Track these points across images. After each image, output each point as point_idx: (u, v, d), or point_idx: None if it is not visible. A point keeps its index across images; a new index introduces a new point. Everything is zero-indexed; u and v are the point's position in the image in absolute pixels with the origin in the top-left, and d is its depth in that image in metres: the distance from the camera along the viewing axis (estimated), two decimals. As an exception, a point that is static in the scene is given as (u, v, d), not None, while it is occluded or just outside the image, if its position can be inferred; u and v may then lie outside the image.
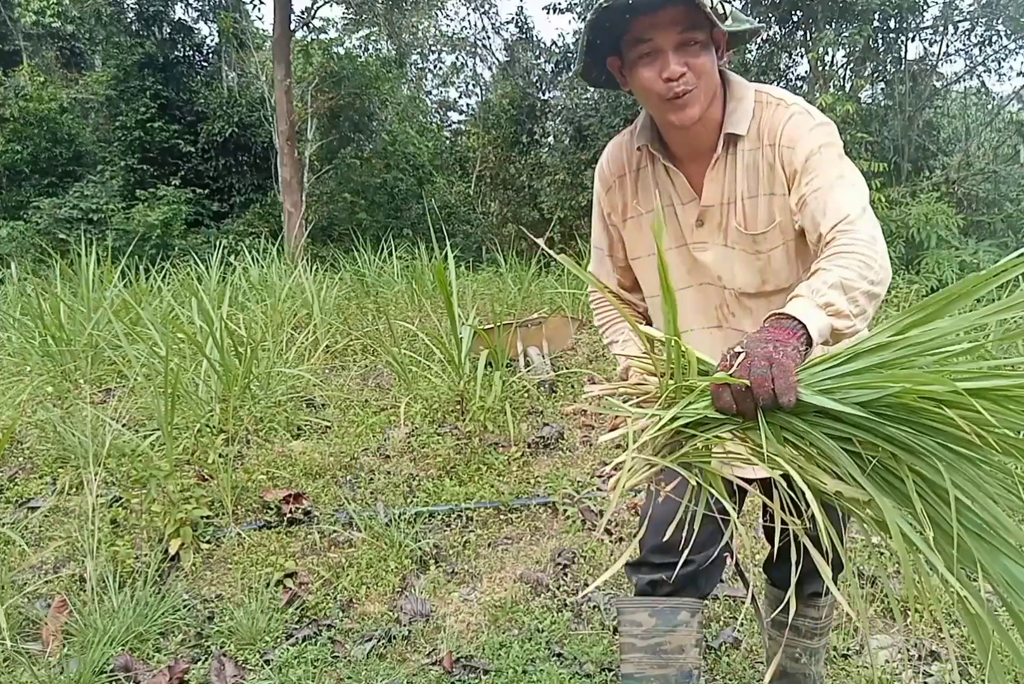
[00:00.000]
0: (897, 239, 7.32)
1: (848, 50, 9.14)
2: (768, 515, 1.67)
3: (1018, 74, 11.45)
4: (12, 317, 5.17)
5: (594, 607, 2.40)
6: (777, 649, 1.77)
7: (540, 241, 1.16)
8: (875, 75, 9.57)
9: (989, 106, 11.27)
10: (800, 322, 1.02)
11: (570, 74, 12.34)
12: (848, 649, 2.18)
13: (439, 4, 18.17)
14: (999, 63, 10.02)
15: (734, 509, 1.08)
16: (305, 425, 3.84)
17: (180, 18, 14.44)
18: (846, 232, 1.17)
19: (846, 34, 8.42)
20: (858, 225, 1.18)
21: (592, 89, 11.15)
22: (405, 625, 2.33)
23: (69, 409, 3.76)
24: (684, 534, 1.20)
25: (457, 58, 20.03)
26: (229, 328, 4.11)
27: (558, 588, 2.51)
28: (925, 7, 8.92)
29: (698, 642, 1.42)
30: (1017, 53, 9.78)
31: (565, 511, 2.98)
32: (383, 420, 3.86)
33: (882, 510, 0.93)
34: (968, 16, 9.25)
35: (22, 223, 11.97)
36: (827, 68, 9.44)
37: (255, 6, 16.57)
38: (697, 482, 1.06)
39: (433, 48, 19.90)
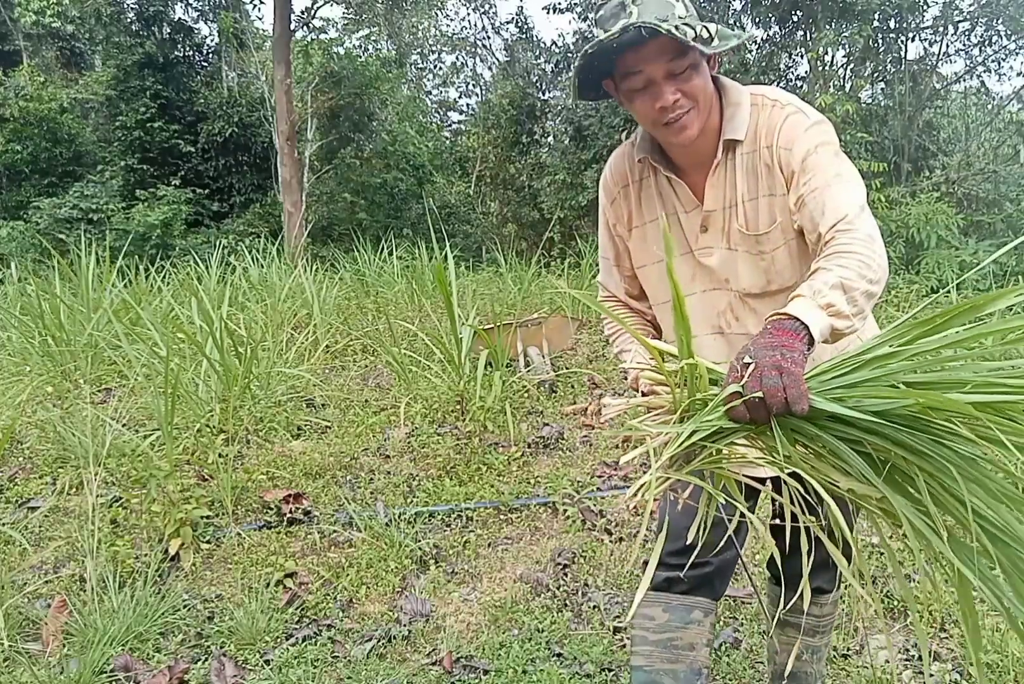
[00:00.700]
0: (897, 239, 7.32)
1: (848, 50, 9.14)
2: (776, 512, 1.67)
3: (1018, 74, 11.48)
4: (12, 317, 5.17)
5: (594, 607, 2.40)
6: (778, 647, 1.78)
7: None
8: (875, 75, 9.57)
9: (989, 106, 11.27)
10: (802, 323, 1.03)
11: (570, 74, 12.33)
12: (848, 649, 2.18)
13: (439, 4, 18.18)
14: (999, 63, 10.03)
15: (748, 510, 1.10)
16: (305, 425, 3.84)
17: (180, 18, 14.45)
18: (845, 232, 1.19)
19: (846, 34, 8.42)
20: (856, 224, 1.19)
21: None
22: (405, 625, 2.32)
23: (69, 409, 3.76)
24: (701, 537, 1.21)
25: (457, 58, 20.04)
26: (229, 328, 4.11)
27: (558, 588, 2.51)
28: (925, 7, 8.92)
29: (709, 642, 1.43)
30: (1017, 53, 9.79)
31: (565, 511, 2.98)
32: (383, 420, 3.86)
33: (893, 505, 0.95)
34: (968, 16, 9.25)
35: (22, 223, 11.97)
36: (827, 68, 9.44)
37: (255, 6, 16.61)
38: (713, 488, 1.08)
39: (433, 48, 19.91)
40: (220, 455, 3.08)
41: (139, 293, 5.67)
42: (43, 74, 14.68)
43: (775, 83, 9.78)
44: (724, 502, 1.41)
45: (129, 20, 13.75)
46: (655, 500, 1.17)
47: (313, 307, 5.44)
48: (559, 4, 11.54)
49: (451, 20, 21.79)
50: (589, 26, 11.59)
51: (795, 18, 9.54)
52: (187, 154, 13.76)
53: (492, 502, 3.04)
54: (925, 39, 9.40)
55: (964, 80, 10.52)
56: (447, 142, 18.26)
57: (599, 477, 3.30)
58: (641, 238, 1.49)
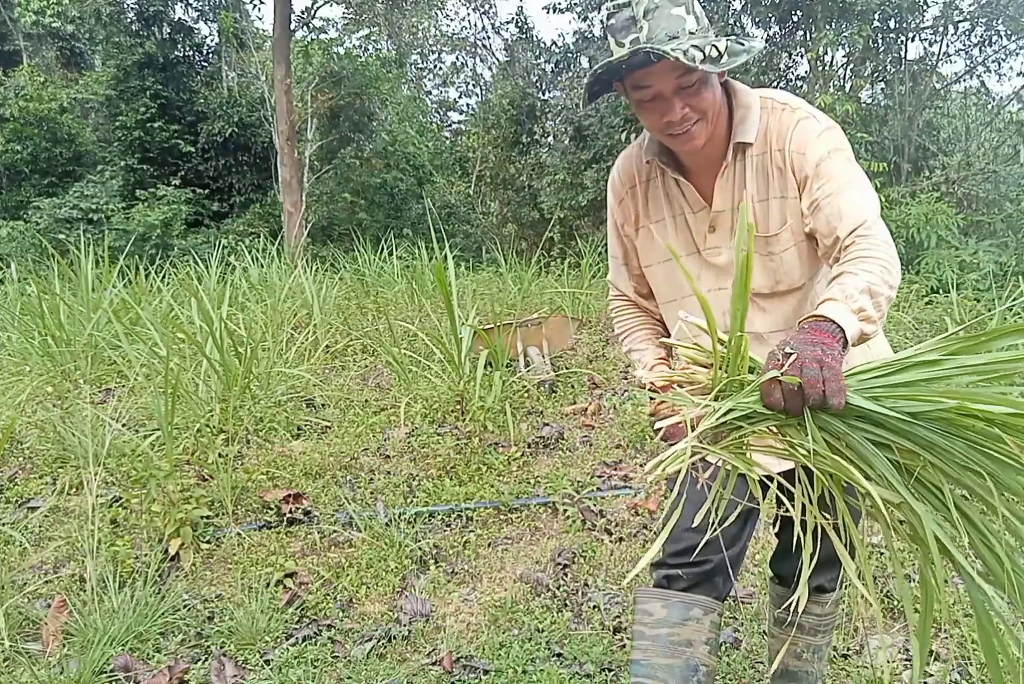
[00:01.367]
0: (897, 239, 7.32)
1: (848, 50, 9.14)
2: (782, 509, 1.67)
3: (1018, 74, 11.48)
4: (12, 317, 5.17)
5: (594, 607, 2.40)
6: (780, 646, 1.78)
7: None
8: (875, 75, 9.57)
9: (989, 106, 11.27)
10: (838, 325, 1.06)
11: (570, 74, 12.34)
12: (848, 649, 2.18)
13: (439, 4, 18.19)
14: (999, 63, 10.03)
15: (757, 504, 1.11)
16: (305, 425, 3.84)
17: (180, 18, 14.46)
18: (865, 237, 1.21)
19: (846, 34, 8.42)
20: (875, 230, 1.22)
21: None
22: (405, 625, 2.33)
23: (69, 409, 3.76)
24: (704, 535, 1.21)
25: (457, 58, 20.06)
26: (229, 328, 4.11)
27: (558, 588, 2.51)
28: (925, 7, 8.92)
29: (709, 641, 1.43)
30: (1017, 53, 9.79)
31: (565, 511, 2.98)
32: (383, 420, 3.86)
33: (915, 513, 0.98)
34: (968, 16, 9.25)
35: (22, 223, 11.98)
36: (827, 68, 9.44)
37: (255, 6, 16.63)
38: (726, 479, 1.11)
39: (433, 48, 19.93)
40: (220, 455, 3.08)
41: (139, 293, 5.67)
42: (43, 74, 14.69)
43: (775, 83, 9.79)
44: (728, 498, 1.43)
45: (129, 20, 13.76)
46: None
47: (313, 307, 5.44)
48: (559, 4, 11.54)
49: (451, 20, 21.81)
50: (589, 26, 11.60)
51: (795, 18, 9.54)
52: (187, 154, 13.77)
53: (492, 502, 3.04)
54: (925, 39, 9.41)
55: (964, 80, 10.52)
56: (447, 142, 18.27)
57: (599, 477, 3.30)
58: (648, 238, 1.51)
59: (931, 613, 1.05)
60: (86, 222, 11.97)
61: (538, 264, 7.38)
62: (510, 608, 2.40)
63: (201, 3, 14.93)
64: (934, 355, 1.01)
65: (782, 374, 0.98)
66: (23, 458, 3.45)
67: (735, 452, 1.08)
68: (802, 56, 9.95)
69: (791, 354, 0.99)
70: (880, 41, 9.11)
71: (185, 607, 2.39)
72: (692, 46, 1.21)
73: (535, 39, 15.09)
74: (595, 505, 3.01)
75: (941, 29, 9.24)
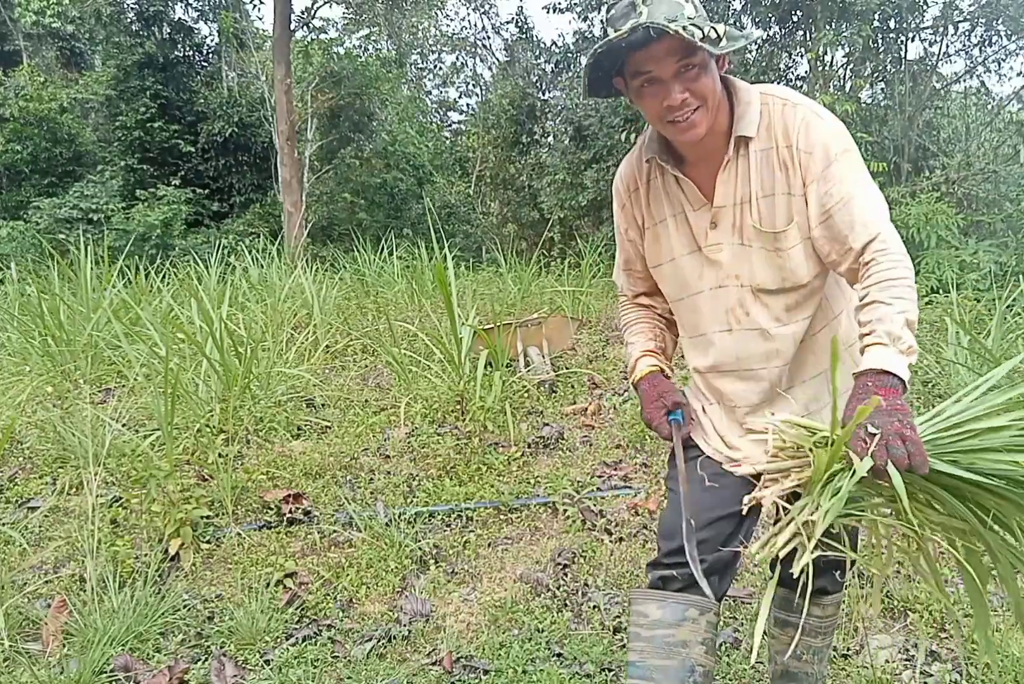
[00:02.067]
0: (897, 239, 7.31)
1: (848, 50, 9.13)
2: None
3: (1018, 74, 11.46)
4: (12, 317, 5.17)
5: (594, 607, 2.40)
6: (780, 647, 1.78)
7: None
8: (875, 75, 9.56)
9: (989, 106, 11.27)
10: (899, 378, 1.15)
11: (570, 74, 12.34)
12: (848, 649, 2.18)
13: (439, 4, 18.19)
14: (999, 63, 10.02)
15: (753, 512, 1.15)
16: (305, 425, 3.84)
17: (180, 18, 14.46)
18: (884, 251, 1.25)
19: (846, 34, 8.41)
20: (891, 242, 1.26)
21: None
22: (405, 625, 2.32)
23: (69, 409, 3.76)
24: (692, 536, 1.22)
25: (457, 58, 20.07)
26: (229, 328, 4.11)
27: (558, 588, 2.51)
28: (925, 7, 8.91)
29: (705, 641, 1.42)
30: (1017, 53, 9.78)
31: (565, 511, 2.98)
32: (383, 420, 3.86)
33: (982, 539, 1.16)
34: (968, 16, 9.24)
35: (22, 223, 11.97)
36: (827, 68, 9.43)
37: (255, 6, 16.65)
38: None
39: (433, 48, 19.93)
40: (220, 455, 3.08)
41: (139, 293, 5.67)
42: (43, 74, 14.69)
43: (775, 83, 9.77)
44: (716, 473, 1.47)
45: (129, 20, 13.76)
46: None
47: (313, 307, 5.44)
48: (559, 4, 11.53)
49: (451, 20, 21.82)
50: (589, 26, 11.59)
51: (795, 18, 9.53)
52: (187, 154, 13.77)
53: (492, 502, 3.04)
54: (925, 39, 9.39)
55: (964, 80, 10.51)
56: (447, 142, 18.27)
57: (599, 477, 3.30)
58: (654, 239, 1.52)
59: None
60: (86, 222, 11.97)
61: (538, 264, 7.38)
62: (510, 608, 2.40)
63: (201, 3, 14.93)
64: (1002, 419, 1.13)
65: (872, 459, 1.08)
66: (23, 458, 3.45)
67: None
68: (802, 56, 9.95)
69: (875, 434, 1.08)
70: (880, 41, 9.10)
71: (185, 607, 2.39)
72: (691, 24, 1.22)
73: (535, 39, 15.09)
74: (595, 505, 3.01)
75: (941, 29, 9.23)
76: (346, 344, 5.15)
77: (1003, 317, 4.37)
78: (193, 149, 13.77)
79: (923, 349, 4.32)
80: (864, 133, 8.04)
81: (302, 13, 13.24)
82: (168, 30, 14.00)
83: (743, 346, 1.45)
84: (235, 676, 2.09)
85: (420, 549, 2.69)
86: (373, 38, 15.91)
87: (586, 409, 4.11)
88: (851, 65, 9.60)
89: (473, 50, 19.64)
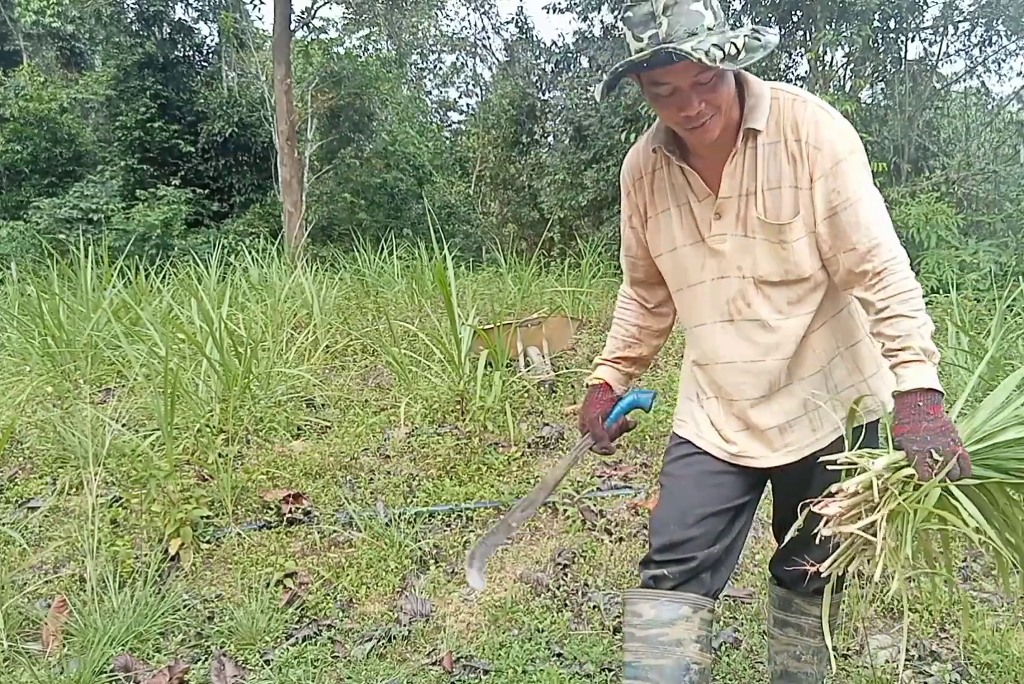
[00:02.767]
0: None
1: (848, 50, 9.13)
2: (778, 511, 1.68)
3: (1018, 74, 11.49)
4: (12, 317, 5.17)
5: (594, 607, 2.40)
6: (779, 647, 1.78)
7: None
8: (875, 75, 9.56)
9: (989, 106, 11.27)
10: (940, 393, 1.23)
11: (570, 75, 12.34)
12: (848, 649, 2.18)
13: (439, 4, 18.20)
14: (999, 63, 10.02)
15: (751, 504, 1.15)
16: (305, 425, 3.84)
17: (180, 18, 14.46)
18: (896, 261, 1.30)
19: (846, 34, 8.41)
20: (899, 252, 1.31)
21: (592, 89, 11.15)
22: (405, 625, 2.32)
23: (69, 409, 3.76)
24: (688, 531, 1.22)
25: (457, 58, 20.08)
26: (229, 328, 4.11)
27: (558, 588, 2.51)
28: (925, 7, 8.91)
29: (700, 638, 1.42)
30: (1017, 53, 9.79)
31: (565, 511, 2.98)
32: (383, 420, 3.86)
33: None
34: (968, 16, 9.24)
35: (22, 223, 11.98)
36: (827, 68, 9.44)
37: (255, 6, 16.63)
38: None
39: (433, 48, 19.94)
40: (220, 455, 3.07)
41: (139, 293, 5.67)
42: (43, 74, 14.69)
43: (775, 83, 9.75)
44: (708, 470, 1.49)
45: (129, 20, 13.76)
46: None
47: (313, 307, 5.44)
48: (559, 4, 11.54)
49: (451, 20, 21.86)
50: (589, 26, 11.59)
51: (795, 18, 9.54)
52: (187, 154, 13.77)
53: (492, 502, 3.04)
54: (925, 39, 9.40)
55: (964, 80, 10.52)
56: (447, 142, 18.28)
57: (599, 477, 3.30)
58: (656, 228, 1.52)
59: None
60: (86, 222, 11.97)
61: (538, 264, 7.38)
62: (510, 608, 2.40)
63: (201, 3, 14.93)
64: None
65: (937, 478, 1.17)
66: (23, 458, 3.45)
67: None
68: (802, 56, 9.95)
69: (939, 460, 1.18)
70: (880, 41, 9.10)
71: (185, 607, 2.39)
72: (712, 45, 1.21)
73: (535, 39, 15.11)
74: (595, 505, 3.01)
75: (941, 29, 9.23)
76: (346, 344, 5.15)
77: (1003, 317, 4.37)
78: (193, 149, 13.77)
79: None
80: (864, 133, 8.03)
81: (302, 13, 13.25)
82: (168, 30, 14.00)
83: (744, 337, 1.45)
84: (235, 676, 2.09)
85: (420, 549, 2.69)
86: (373, 38, 15.91)
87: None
88: (851, 65, 9.60)
89: (473, 50, 19.65)
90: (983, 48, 9.65)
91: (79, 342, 4.46)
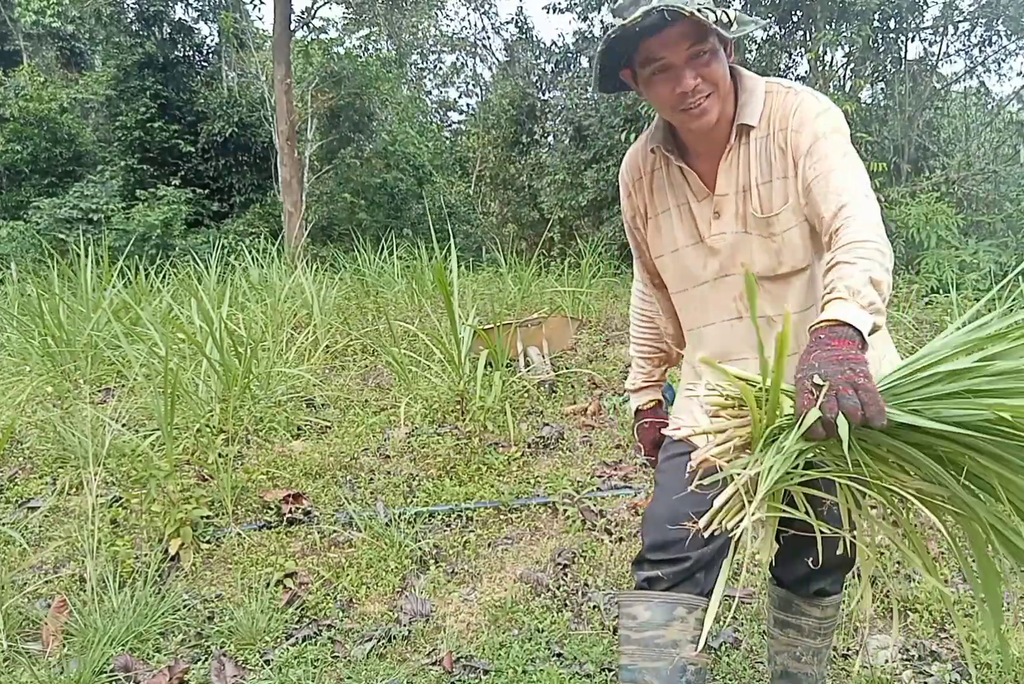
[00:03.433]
0: (897, 239, 7.32)
1: (848, 50, 9.14)
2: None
3: (1018, 74, 11.47)
4: (12, 317, 5.17)
5: (594, 607, 2.40)
6: (779, 648, 1.78)
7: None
8: (875, 75, 9.56)
9: (989, 106, 11.27)
10: (855, 329, 1.03)
11: (570, 74, 12.34)
12: (848, 649, 2.18)
13: (439, 4, 18.20)
14: (999, 63, 10.03)
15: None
16: (305, 425, 3.84)
17: (180, 18, 14.46)
18: (854, 218, 1.19)
19: (846, 34, 8.42)
20: (864, 210, 1.20)
21: (592, 89, 11.15)
22: (405, 625, 2.32)
23: (69, 409, 3.76)
24: (681, 530, 1.21)
25: (457, 58, 20.08)
26: (229, 328, 4.11)
27: (558, 588, 2.51)
28: (925, 7, 8.91)
29: (695, 638, 1.41)
30: (1017, 54, 9.79)
31: (565, 511, 2.98)
32: (383, 420, 3.86)
33: (966, 506, 0.99)
34: (968, 16, 9.25)
35: (22, 223, 11.98)
36: (827, 68, 9.44)
37: (255, 6, 16.65)
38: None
39: (433, 48, 19.94)
40: (220, 455, 3.07)
41: (139, 293, 5.67)
42: (43, 74, 14.69)
43: (775, 83, 9.75)
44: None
45: (129, 20, 13.76)
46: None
47: (313, 307, 5.44)
48: (559, 4, 11.54)
49: (451, 20, 21.86)
50: (589, 26, 11.59)
51: (795, 18, 9.54)
52: (187, 154, 13.77)
53: (492, 502, 3.04)
54: (925, 39, 9.40)
55: (964, 80, 10.52)
56: (447, 142, 18.28)
57: (599, 477, 3.30)
58: (656, 228, 1.52)
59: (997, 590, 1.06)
60: (86, 222, 11.97)
61: (538, 264, 7.39)
62: (510, 608, 2.40)
63: (201, 3, 14.93)
64: (967, 361, 0.98)
65: (820, 408, 0.95)
66: (23, 458, 3.45)
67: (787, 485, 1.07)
68: (802, 56, 9.95)
69: (821, 385, 0.96)
70: (880, 41, 9.11)
71: (185, 607, 2.39)
72: (704, 7, 1.22)
73: (535, 39, 15.11)
74: (595, 505, 3.01)
75: (941, 29, 9.23)
76: (346, 344, 5.15)
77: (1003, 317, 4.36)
78: (193, 149, 13.77)
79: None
80: (864, 133, 8.04)
81: (302, 13, 13.25)
82: (168, 30, 14.00)
83: (754, 335, 1.44)
84: (235, 676, 2.09)
85: (420, 549, 2.69)
86: (373, 38, 15.91)
87: (586, 409, 4.11)
88: (851, 65, 9.60)
89: (473, 50, 19.65)
90: (983, 48, 9.65)
91: (79, 342, 4.46)
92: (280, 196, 12.63)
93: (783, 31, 9.80)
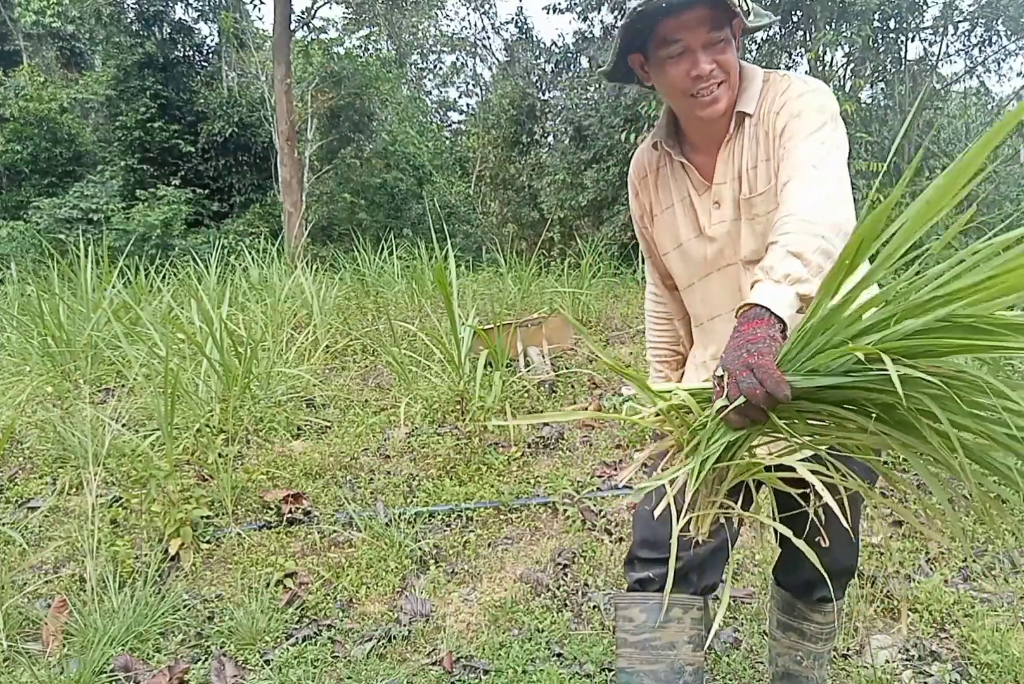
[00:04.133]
0: (897, 239, 7.32)
1: (848, 50, 9.14)
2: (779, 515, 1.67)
3: (1018, 74, 11.48)
4: (12, 317, 5.17)
5: (594, 607, 2.40)
6: (780, 650, 1.78)
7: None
8: (875, 75, 9.56)
9: (989, 106, 11.27)
10: (764, 307, 1.02)
11: (570, 75, 12.34)
12: (848, 649, 2.18)
13: (439, 4, 18.20)
14: (999, 63, 10.03)
15: (735, 505, 1.10)
16: (305, 425, 3.84)
17: (180, 18, 14.47)
18: (790, 192, 1.19)
19: (846, 34, 8.42)
20: (803, 183, 1.19)
21: (592, 89, 11.16)
22: (405, 625, 2.32)
23: (69, 409, 3.76)
24: (670, 531, 1.21)
25: (457, 58, 20.08)
26: (229, 328, 4.11)
27: (558, 588, 2.51)
28: (925, 7, 8.91)
29: (692, 638, 1.41)
30: (1017, 53, 9.80)
31: (565, 511, 2.98)
32: (383, 420, 3.86)
33: (906, 447, 0.98)
34: (968, 16, 9.25)
35: (22, 223, 11.98)
36: (827, 68, 9.44)
37: (255, 6, 16.66)
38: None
39: (433, 48, 19.94)
40: (220, 455, 3.07)
41: (139, 293, 5.67)
42: (43, 74, 14.70)
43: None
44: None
45: (129, 20, 13.76)
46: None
47: (313, 307, 5.44)
48: (559, 4, 11.54)
49: (451, 20, 21.87)
50: (589, 26, 11.59)
51: (795, 18, 9.54)
52: (187, 154, 13.78)
53: (492, 502, 3.04)
54: (925, 39, 9.40)
55: (964, 80, 10.52)
56: (447, 142, 18.29)
57: (599, 477, 3.30)
58: (662, 226, 1.53)
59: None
60: (86, 222, 11.97)
61: (538, 264, 7.38)
62: (510, 608, 2.40)
63: (201, 3, 14.93)
64: (826, 311, 0.97)
65: (727, 398, 0.98)
66: (23, 458, 3.45)
67: (752, 475, 1.08)
68: (802, 56, 9.95)
69: (723, 375, 0.99)
70: (880, 41, 9.11)
71: (185, 607, 2.39)
72: None
73: (535, 39, 15.11)
74: (595, 505, 3.01)
75: (941, 29, 9.23)
76: (346, 344, 5.15)
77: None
78: (193, 149, 13.78)
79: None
80: (864, 133, 8.04)
81: (302, 13, 13.26)
82: (168, 30, 14.01)
83: None
84: (235, 676, 2.09)
85: (420, 549, 2.69)
86: (373, 38, 15.92)
87: (586, 409, 4.11)
88: (851, 65, 9.60)
89: (473, 50, 19.66)
90: (983, 48, 9.66)
91: (79, 342, 4.46)
92: (280, 196, 12.64)
93: (783, 31, 9.80)
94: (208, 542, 2.75)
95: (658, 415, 1.08)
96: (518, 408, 4.02)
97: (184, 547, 2.64)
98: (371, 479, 3.28)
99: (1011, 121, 0.85)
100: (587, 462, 3.48)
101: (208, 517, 2.81)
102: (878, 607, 2.37)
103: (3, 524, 2.81)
